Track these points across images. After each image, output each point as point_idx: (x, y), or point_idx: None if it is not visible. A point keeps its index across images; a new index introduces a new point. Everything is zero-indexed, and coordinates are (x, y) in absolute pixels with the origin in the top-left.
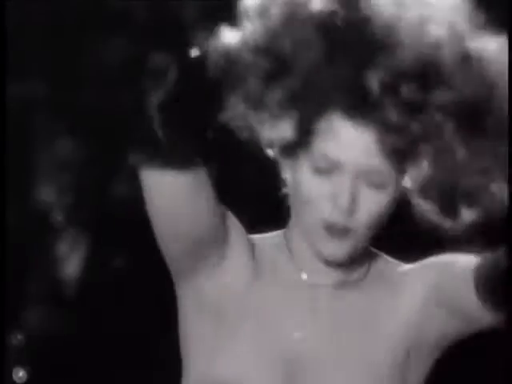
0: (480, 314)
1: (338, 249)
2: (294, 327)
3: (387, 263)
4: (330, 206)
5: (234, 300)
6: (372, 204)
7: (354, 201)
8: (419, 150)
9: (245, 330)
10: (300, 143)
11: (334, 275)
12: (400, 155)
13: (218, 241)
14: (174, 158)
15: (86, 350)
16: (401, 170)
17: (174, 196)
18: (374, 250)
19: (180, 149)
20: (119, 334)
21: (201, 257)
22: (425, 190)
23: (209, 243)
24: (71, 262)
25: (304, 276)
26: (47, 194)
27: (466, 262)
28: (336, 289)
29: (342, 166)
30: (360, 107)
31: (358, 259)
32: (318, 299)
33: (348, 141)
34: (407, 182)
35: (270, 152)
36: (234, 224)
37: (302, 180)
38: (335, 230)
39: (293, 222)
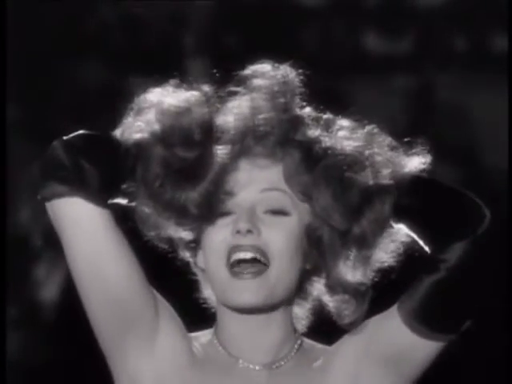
0: (415, 345)
1: (252, 291)
2: None
3: (312, 344)
4: (231, 232)
5: None
6: (276, 227)
7: (252, 222)
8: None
9: None
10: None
11: (265, 356)
12: (301, 185)
13: (145, 308)
14: (81, 183)
15: (64, 373)
16: (303, 198)
17: (86, 225)
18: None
19: (86, 175)
20: (97, 357)
21: (129, 324)
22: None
23: (135, 306)
24: (50, 285)
25: (236, 361)
26: (26, 218)
27: (386, 311)
28: (268, 370)
29: (240, 199)
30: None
31: (285, 338)
32: (253, 382)
33: (245, 176)
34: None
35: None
36: (165, 305)
37: (206, 235)
38: (244, 264)
39: (218, 318)
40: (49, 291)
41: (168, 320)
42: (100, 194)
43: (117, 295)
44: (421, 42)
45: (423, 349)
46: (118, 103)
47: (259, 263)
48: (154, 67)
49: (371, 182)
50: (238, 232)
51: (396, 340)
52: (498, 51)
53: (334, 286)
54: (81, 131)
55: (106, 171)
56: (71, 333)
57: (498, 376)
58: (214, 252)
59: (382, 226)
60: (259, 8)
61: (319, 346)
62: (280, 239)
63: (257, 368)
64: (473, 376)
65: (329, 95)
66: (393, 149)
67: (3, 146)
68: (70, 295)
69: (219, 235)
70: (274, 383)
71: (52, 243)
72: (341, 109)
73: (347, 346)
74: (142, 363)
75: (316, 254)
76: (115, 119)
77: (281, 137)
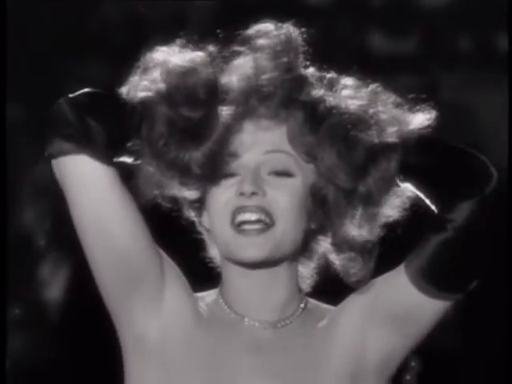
0: (422, 304)
1: (257, 247)
2: (239, 369)
3: (317, 304)
4: (235, 193)
5: (177, 346)
6: (280, 188)
7: (257, 184)
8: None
9: (189, 379)
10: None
11: (270, 314)
12: (304, 146)
13: (151, 267)
14: (87, 140)
15: (69, 374)
16: (308, 159)
17: (92, 183)
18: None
19: (92, 132)
20: (102, 357)
21: (135, 283)
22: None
23: (141, 264)
24: (53, 285)
25: (242, 319)
26: (28, 218)
27: (394, 270)
28: (274, 328)
29: (245, 161)
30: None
31: (290, 297)
32: (259, 340)
33: (249, 137)
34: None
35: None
36: (170, 264)
37: (211, 196)
38: (249, 224)
39: (223, 276)
40: (52, 291)
41: (174, 279)
42: (106, 152)
43: (122, 253)
44: (426, 42)
45: (430, 308)
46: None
47: (264, 224)
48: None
49: (376, 141)
50: (242, 194)
51: (403, 299)
52: (503, 51)
53: (341, 244)
54: (86, 89)
55: (112, 129)
56: (74, 333)
57: (500, 336)
58: (218, 213)
59: (388, 185)
60: (262, 6)
61: (324, 306)
62: (284, 199)
63: (262, 326)
64: (474, 336)
65: None
66: (397, 106)
67: (3, 146)
68: (74, 296)
69: (223, 196)
70: (280, 342)
71: (56, 243)
72: (344, 68)
73: (353, 304)
74: (147, 322)
75: (321, 213)
76: None
77: (284, 97)
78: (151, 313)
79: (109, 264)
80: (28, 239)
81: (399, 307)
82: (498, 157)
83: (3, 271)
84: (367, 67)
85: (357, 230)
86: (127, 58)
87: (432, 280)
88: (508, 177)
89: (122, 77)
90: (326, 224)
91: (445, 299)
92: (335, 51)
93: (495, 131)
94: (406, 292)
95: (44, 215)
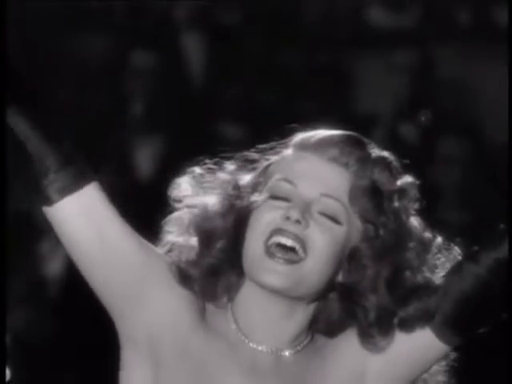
0: (430, 345)
1: (280, 275)
2: None
3: (324, 338)
4: (281, 216)
5: (169, 350)
6: (324, 228)
7: (304, 216)
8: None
9: (181, 380)
10: None
11: (276, 342)
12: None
13: (136, 265)
14: (66, 180)
15: (69, 349)
16: (360, 219)
17: (78, 218)
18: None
19: (72, 169)
20: (101, 331)
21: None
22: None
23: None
24: (54, 261)
25: (245, 340)
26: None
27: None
28: (276, 356)
29: (300, 191)
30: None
31: (300, 331)
32: (258, 362)
33: (312, 169)
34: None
35: None
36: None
37: (257, 212)
38: (281, 250)
39: (240, 294)
40: (52, 266)
41: (163, 278)
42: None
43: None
44: (424, 15)
45: (435, 350)
46: (119, 77)
47: (295, 255)
48: (154, 41)
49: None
50: (288, 218)
51: (414, 341)
52: (502, 24)
53: (358, 310)
54: None
55: None
56: (74, 308)
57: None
58: (258, 227)
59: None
60: None
61: (330, 340)
62: (324, 239)
63: (264, 351)
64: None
65: (332, 69)
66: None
67: (3, 121)
68: (74, 270)
69: (269, 215)
70: (278, 369)
71: None
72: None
73: (354, 339)
74: (134, 319)
75: (354, 273)
76: (116, 92)
77: (363, 156)
78: (136, 309)
79: (107, 279)
80: (28, 214)
81: (411, 349)
82: (497, 130)
83: (3, 246)
84: (366, 42)
85: (381, 297)
86: (127, 33)
87: (459, 326)
88: (509, 150)
89: (122, 51)
90: (351, 284)
91: (450, 343)
92: (334, 27)
93: (495, 104)
94: (420, 336)
95: None
